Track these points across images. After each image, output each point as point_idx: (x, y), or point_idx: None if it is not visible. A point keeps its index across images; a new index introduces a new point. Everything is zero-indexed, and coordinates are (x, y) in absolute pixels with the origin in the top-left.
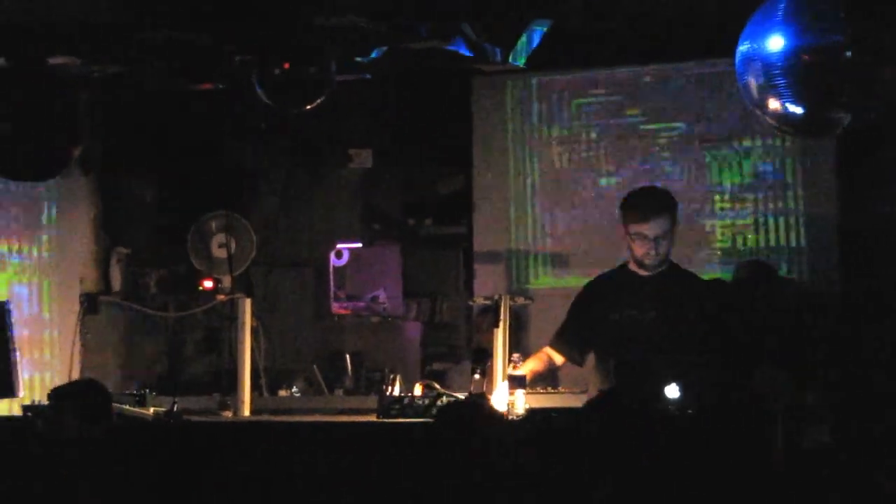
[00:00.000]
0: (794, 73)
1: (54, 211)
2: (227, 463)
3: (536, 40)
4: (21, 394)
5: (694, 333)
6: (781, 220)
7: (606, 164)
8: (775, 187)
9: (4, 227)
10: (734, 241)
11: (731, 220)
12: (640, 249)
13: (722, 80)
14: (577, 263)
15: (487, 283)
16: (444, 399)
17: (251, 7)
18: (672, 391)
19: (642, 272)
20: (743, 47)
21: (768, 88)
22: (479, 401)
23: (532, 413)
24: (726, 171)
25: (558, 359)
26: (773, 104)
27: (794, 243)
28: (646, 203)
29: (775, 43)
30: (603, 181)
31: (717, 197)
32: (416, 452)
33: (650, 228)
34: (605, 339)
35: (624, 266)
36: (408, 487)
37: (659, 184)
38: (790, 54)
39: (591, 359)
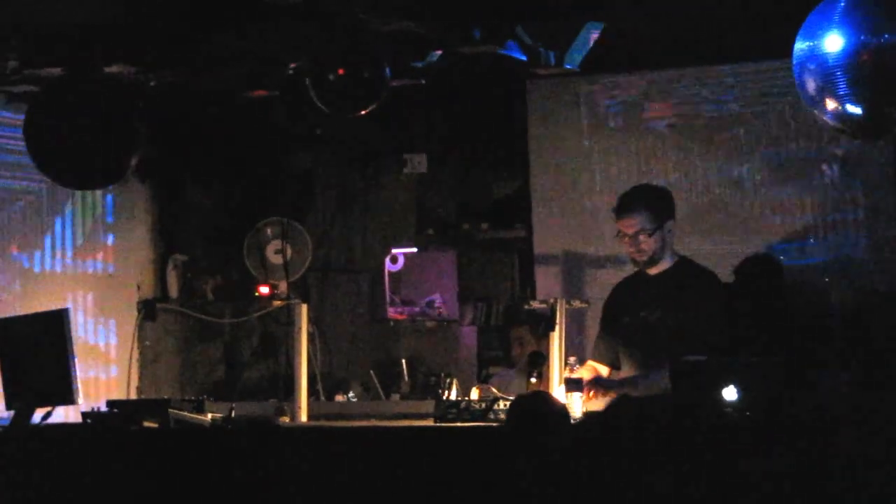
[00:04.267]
0: (852, 72)
1: (112, 218)
2: (285, 468)
3: (590, 43)
4: (80, 401)
5: (700, 331)
6: (840, 225)
7: (663, 166)
8: (836, 191)
9: (61, 235)
10: (791, 243)
11: (791, 223)
12: (624, 247)
13: (780, 80)
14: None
15: (545, 286)
16: (501, 403)
17: (305, 13)
18: (730, 393)
19: (649, 271)
20: (800, 46)
21: (826, 88)
22: (546, 396)
23: (589, 416)
24: (779, 173)
25: (603, 369)
26: (831, 104)
27: (853, 248)
28: (623, 199)
29: (833, 42)
30: (659, 183)
31: (775, 199)
32: (474, 456)
33: (626, 225)
34: (621, 341)
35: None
36: (465, 491)
37: (717, 187)
38: (848, 54)
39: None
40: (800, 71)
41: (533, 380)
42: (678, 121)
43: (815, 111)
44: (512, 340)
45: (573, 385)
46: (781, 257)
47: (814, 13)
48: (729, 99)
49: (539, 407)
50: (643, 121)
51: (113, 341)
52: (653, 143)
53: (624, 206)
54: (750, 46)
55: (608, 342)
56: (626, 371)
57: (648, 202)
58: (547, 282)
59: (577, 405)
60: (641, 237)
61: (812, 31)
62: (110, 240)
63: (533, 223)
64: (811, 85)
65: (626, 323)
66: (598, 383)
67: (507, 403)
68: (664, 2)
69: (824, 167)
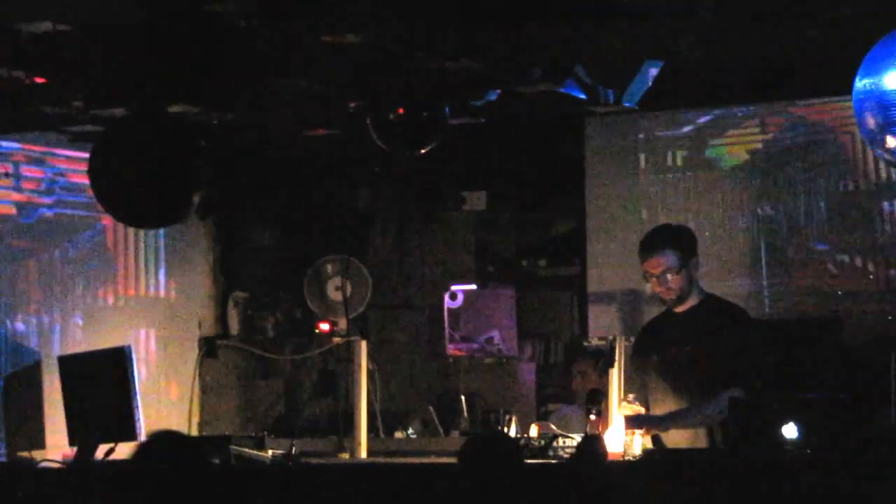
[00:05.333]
0: None
1: (174, 256)
2: None
3: (649, 81)
4: (142, 437)
5: (731, 367)
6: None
7: (721, 205)
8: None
9: (124, 272)
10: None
11: (850, 260)
12: (651, 287)
13: (840, 116)
14: None
15: (602, 323)
16: (561, 440)
17: (365, 52)
18: (790, 430)
19: (677, 310)
20: (860, 84)
21: (886, 126)
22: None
23: (648, 453)
24: (839, 210)
25: (643, 410)
26: (892, 142)
27: None
28: (647, 240)
29: (893, 79)
30: (716, 221)
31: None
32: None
33: (653, 265)
34: (652, 380)
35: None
36: None
37: (775, 225)
38: None
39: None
40: (860, 108)
41: (592, 417)
42: (738, 158)
43: (875, 148)
44: (574, 374)
45: (632, 422)
46: (839, 291)
47: (874, 50)
48: (789, 136)
49: (491, 445)
50: (702, 158)
51: (174, 378)
52: (712, 180)
53: (649, 247)
54: (809, 83)
55: (638, 382)
56: (656, 410)
57: (672, 241)
58: (602, 319)
59: (638, 442)
60: (669, 276)
61: (873, 67)
62: (172, 277)
63: (587, 260)
64: (871, 122)
65: (657, 361)
66: (640, 420)
67: (567, 441)
68: (723, 39)
69: (885, 204)
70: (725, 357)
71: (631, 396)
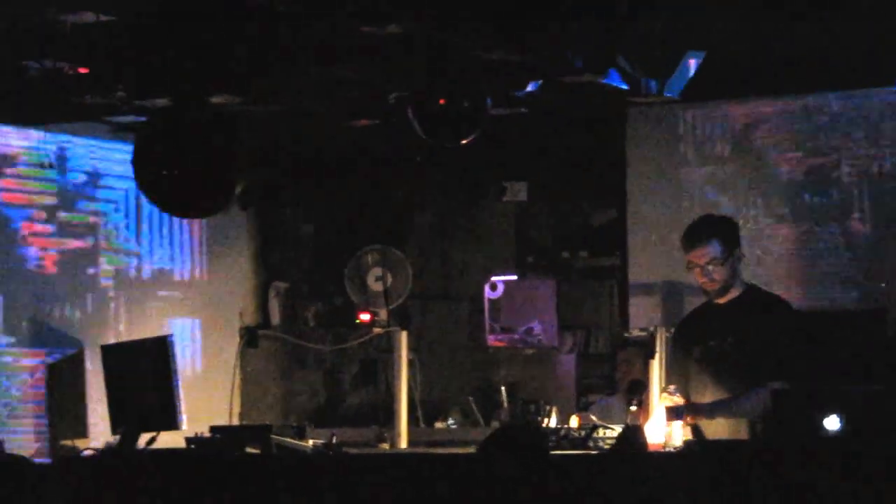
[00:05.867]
0: None
1: (215, 246)
2: (386, 495)
3: (691, 71)
4: (184, 426)
5: (773, 358)
6: None
7: (761, 196)
8: None
9: (167, 263)
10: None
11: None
12: (696, 278)
13: (886, 107)
14: None
15: (642, 314)
16: (601, 431)
17: (407, 43)
18: (832, 422)
19: (718, 301)
20: None
21: None
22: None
23: (689, 445)
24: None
25: (679, 401)
26: None
27: None
28: (692, 231)
29: None
30: (757, 212)
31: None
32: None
33: (698, 255)
34: (694, 371)
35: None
36: None
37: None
38: None
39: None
40: None
41: (633, 408)
42: (781, 148)
43: None
44: (619, 362)
45: (673, 413)
46: (883, 284)
47: None
48: (834, 127)
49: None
50: (746, 149)
51: (216, 367)
52: (755, 171)
53: (693, 238)
54: (856, 74)
55: (678, 374)
56: (697, 401)
57: (718, 232)
58: (643, 310)
59: (678, 433)
60: (713, 267)
61: None
62: (214, 267)
63: (628, 251)
64: None
65: (698, 353)
66: (684, 408)
67: (607, 431)
68: (766, 30)
69: None
70: (768, 348)
71: (672, 388)
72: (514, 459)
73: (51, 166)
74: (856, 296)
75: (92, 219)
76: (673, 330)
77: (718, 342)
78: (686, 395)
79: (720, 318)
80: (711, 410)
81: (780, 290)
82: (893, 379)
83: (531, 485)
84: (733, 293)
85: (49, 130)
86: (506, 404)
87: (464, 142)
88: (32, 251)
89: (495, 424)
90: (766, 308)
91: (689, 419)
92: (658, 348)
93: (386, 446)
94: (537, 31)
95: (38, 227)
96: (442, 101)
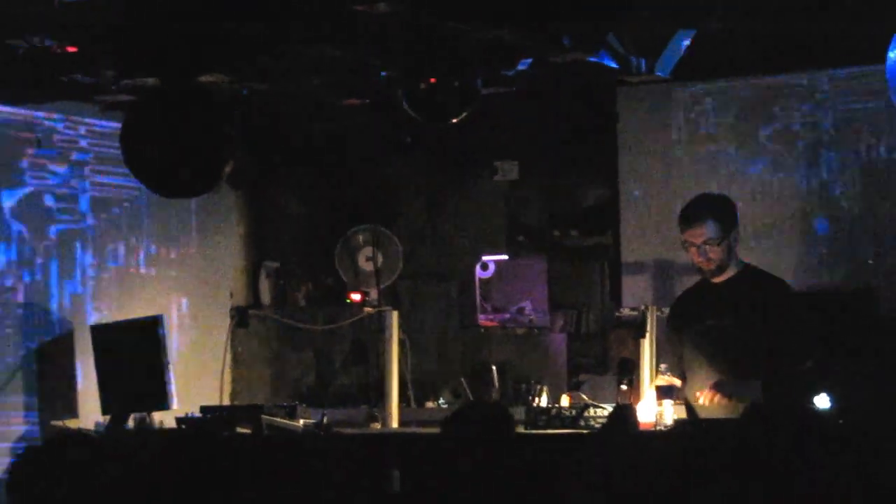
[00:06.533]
0: None
1: (205, 226)
2: (377, 474)
3: (682, 50)
4: (175, 406)
5: (771, 337)
6: None
7: (753, 174)
8: None
9: (156, 242)
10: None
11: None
12: (692, 257)
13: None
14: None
15: (634, 293)
16: (592, 410)
17: (397, 22)
18: (822, 401)
19: (715, 280)
20: (893, 54)
21: None
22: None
23: (680, 424)
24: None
25: (677, 381)
26: None
27: None
28: (689, 210)
29: None
30: (749, 190)
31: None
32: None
33: (694, 235)
34: (690, 351)
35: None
36: (555, 497)
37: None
38: None
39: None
40: (893, 77)
41: (623, 387)
42: (772, 128)
43: None
44: (611, 342)
45: (664, 392)
46: (870, 260)
47: None
48: (824, 106)
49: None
50: (737, 127)
51: (206, 347)
52: (746, 150)
53: (690, 217)
54: (848, 52)
55: (672, 353)
56: (692, 381)
57: (714, 212)
58: (635, 289)
59: (669, 412)
60: (708, 247)
61: None
62: (204, 247)
63: (620, 230)
64: None
65: (694, 332)
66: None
67: (598, 410)
68: (757, 8)
69: None
70: (766, 328)
71: (663, 367)
72: (479, 438)
73: (39, 145)
74: (843, 274)
75: (82, 197)
76: (666, 309)
77: (716, 322)
78: (680, 375)
79: (717, 298)
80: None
81: (769, 269)
82: (882, 357)
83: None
84: (730, 272)
85: (38, 109)
86: (497, 384)
87: (454, 121)
88: (22, 229)
89: None
90: (764, 288)
91: (716, 397)
92: (649, 327)
93: (377, 426)
94: (527, 9)
95: (29, 205)
96: (432, 80)
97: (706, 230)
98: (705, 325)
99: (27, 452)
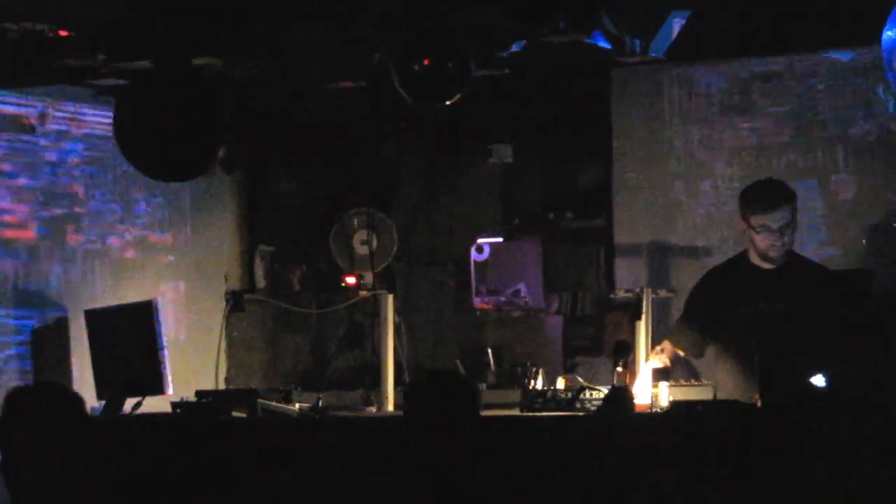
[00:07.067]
0: None
1: (199, 210)
2: (373, 457)
3: (676, 31)
4: (170, 391)
5: (826, 324)
6: None
7: (749, 156)
8: None
9: (150, 227)
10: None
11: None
12: (764, 242)
13: (867, 67)
14: (720, 254)
15: (628, 276)
16: (588, 392)
17: (390, 3)
18: (818, 380)
19: (765, 265)
20: (888, 34)
21: None
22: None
23: (676, 405)
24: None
25: (680, 351)
26: None
27: None
28: (769, 193)
29: None
30: (741, 171)
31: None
32: (560, 445)
33: (774, 219)
34: (736, 332)
35: (741, 258)
36: (551, 479)
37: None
38: None
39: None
40: (889, 59)
41: (619, 369)
42: (767, 109)
43: None
44: (606, 325)
45: (660, 374)
46: (863, 241)
47: None
48: (819, 87)
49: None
50: (733, 108)
51: (201, 332)
52: (739, 131)
53: (772, 202)
54: (841, 33)
55: (700, 328)
56: (722, 366)
57: (791, 195)
58: (628, 271)
59: (664, 394)
60: (787, 231)
61: None
62: (198, 231)
63: (614, 213)
64: None
65: (744, 313)
66: None
67: (594, 392)
68: None
69: None
70: (818, 315)
71: (658, 348)
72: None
73: (32, 130)
74: (836, 254)
75: (75, 182)
76: (662, 291)
77: (769, 305)
78: (698, 352)
79: (771, 281)
80: None
81: None
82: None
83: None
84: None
85: (30, 94)
86: (493, 367)
87: (448, 103)
88: (16, 214)
89: (482, 387)
90: (813, 274)
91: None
92: (645, 309)
93: (372, 409)
94: None
95: (22, 190)
96: (426, 62)
97: (785, 214)
98: (757, 307)
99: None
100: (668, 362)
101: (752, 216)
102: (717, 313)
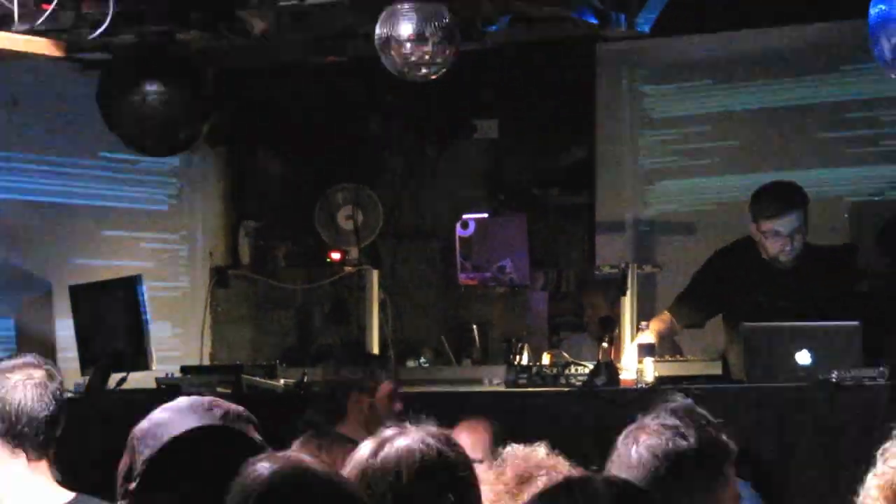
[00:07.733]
0: None
1: (183, 185)
2: None
3: (660, 6)
4: (154, 367)
5: (844, 312)
6: None
7: (733, 132)
8: None
9: (135, 201)
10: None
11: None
12: (774, 246)
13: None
14: (703, 231)
15: (610, 252)
16: (573, 368)
17: None
18: (804, 357)
19: (777, 265)
20: (875, 9)
21: None
22: None
23: (661, 381)
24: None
25: (678, 324)
26: None
27: None
28: (778, 198)
29: None
30: (729, 148)
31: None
32: (545, 421)
33: (783, 223)
34: (735, 322)
35: (751, 247)
36: None
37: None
38: None
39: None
40: (875, 33)
41: (604, 345)
42: (752, 83)
43: (890, 73)
44: (585, 305)
45: (645, 350)
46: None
47: None
48: (805, 61)
49: None
50: (716, 84)
51: (185, 307)
52: (726, 107)
53: (782, 207)
54: (828, 6)
55: (705, 306)
56: (730, 344)
57: (800, 199)
58: (611, 248)
59: (650, 370)
60: (797, 236)
61: None
62: (182, 206)
63: (597, 189)
64: (887, 46)
65: (758, 304)
66: None
67: (579, 368)
68: None
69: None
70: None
71: (644, 324)
72: None
73: (15, 105)
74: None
75: (59, 158)
76: (647, 267)
77: (786, 301)
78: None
79: (786, 277)
80: None
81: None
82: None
83: None
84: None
85: (12, 69)
86: (478, 343)
87: (433, 78)
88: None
89: (467, 363)
90: (826, 261)
91: None
92: (629, 285)
93: None
94: None
95: (5, 167)
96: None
97: (795, 219)
98: (772, 300)
99: None
100: (655, 338)
101: (763, 221)
102: (731, 299)
